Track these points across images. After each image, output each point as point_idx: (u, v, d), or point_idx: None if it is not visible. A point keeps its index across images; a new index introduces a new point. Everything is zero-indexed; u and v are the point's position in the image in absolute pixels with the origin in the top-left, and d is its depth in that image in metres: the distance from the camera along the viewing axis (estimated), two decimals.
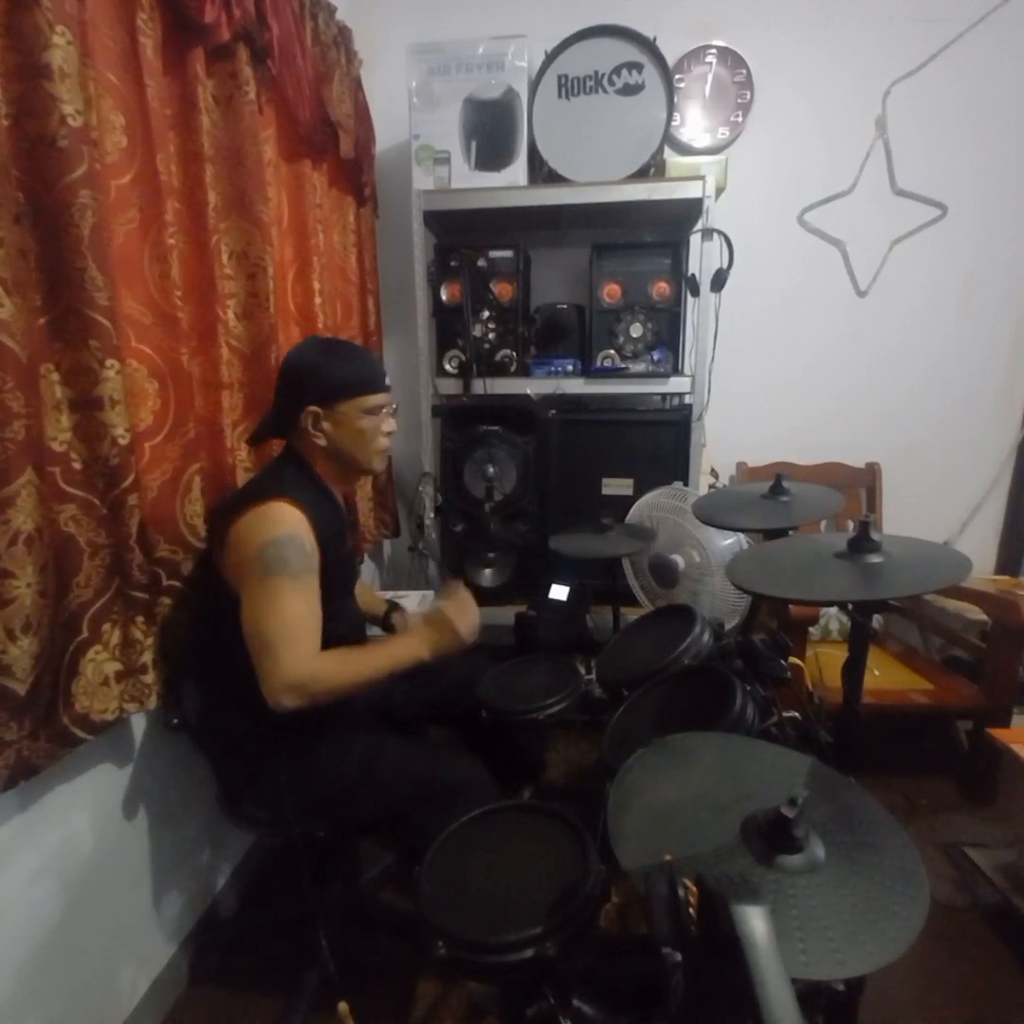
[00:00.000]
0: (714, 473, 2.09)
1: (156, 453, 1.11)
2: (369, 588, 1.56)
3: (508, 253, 1.91)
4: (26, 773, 0.86)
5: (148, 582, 1.05)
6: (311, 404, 1.11)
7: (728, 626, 1.39)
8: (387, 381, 1.19)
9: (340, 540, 1.18)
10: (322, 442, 1.13)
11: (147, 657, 1.05)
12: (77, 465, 0.94)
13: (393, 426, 1.20)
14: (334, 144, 1.72)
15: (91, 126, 0.92)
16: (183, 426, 1.16)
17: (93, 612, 0.97)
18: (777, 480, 1.20)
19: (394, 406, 1.21)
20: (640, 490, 1.84)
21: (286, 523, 1.02)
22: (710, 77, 2.05)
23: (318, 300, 1.64)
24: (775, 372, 2.22)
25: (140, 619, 1.04)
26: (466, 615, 1.14)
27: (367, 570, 2.33)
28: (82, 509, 0.95)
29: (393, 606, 1.52)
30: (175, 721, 1.12)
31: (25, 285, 0.84)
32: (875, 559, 0.83)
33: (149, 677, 1.06)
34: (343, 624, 1.18)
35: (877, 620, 2.12)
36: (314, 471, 1.15)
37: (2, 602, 0.81)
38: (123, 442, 0.97)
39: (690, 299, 1.87)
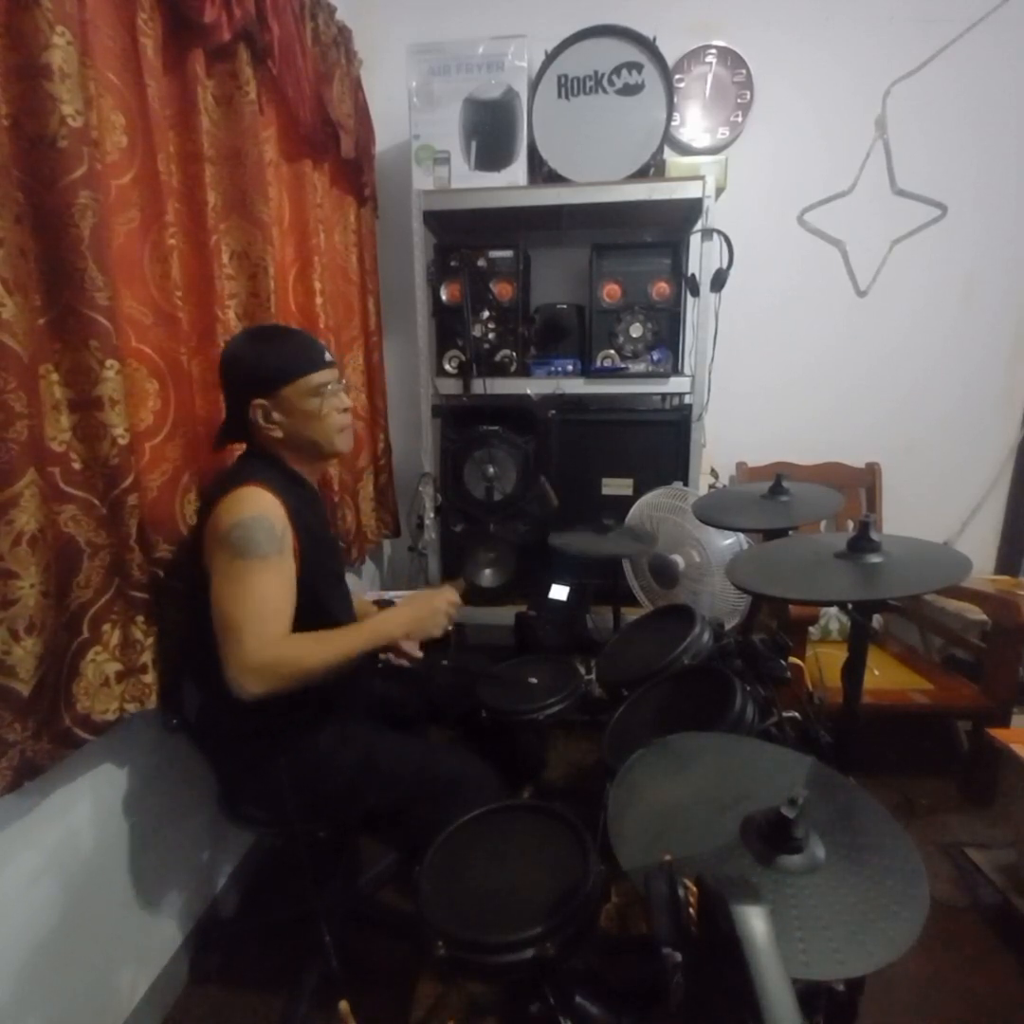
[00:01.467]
0: (714, 473, 2.09)
1: (156, 453, 1.11)
2: (357, 594, 1.55)
3: (508, 253, 1.91)
4: (30, 774, 0.87)
5: (148, 582, 1.05)
6: (255, 397, 1.08)
7: (728, 626, 1.39)
8: (327, 356, 1.13)
9: (320, 524, 1.16)
10: (278, 434, 1.10)
11: (147, 657, 1.05)
12: (77, 465, 0.94)
13: (346, 402, 1.16)
14: (335, 144, 1.72)
15: (91, 126, 0.92)
16: (182, 426, 1.16)
17: (93, 612, 0.97)
18: (777, 480, 1.20)
19: (343, 382, 1.17)
20: (640, 490, 1.84)
21: (255, 505, 1.00)
22: (710, 77, 2.05)
23: (319, 300, 1.64)
24: (775, 372, 2.22)
25: (140, 619, 1.04)
26: (444, 596, 1.15)
27: (367, 570, 2.33)
28: (82, 509, 0.95)
29: (384, 607, 1.51)
30: (175, 721, 1.12)
31: (25, 285, 0.84)
32: (875, 559, 0.83)
33: (149, 677, 1.06)
34: (338, 609, 1.18)
35: (877, 620, 2.12)
36: (281, 462, 1.13)
37: (6, 603, 0.81)
38: (123, 442, 0.97)
39: (690, 299, 1.87)
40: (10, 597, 0.81)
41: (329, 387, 1.12)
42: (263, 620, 0.96)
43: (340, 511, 1.84)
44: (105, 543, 0.98)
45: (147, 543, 1.05)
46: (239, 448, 1.22)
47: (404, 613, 1.11)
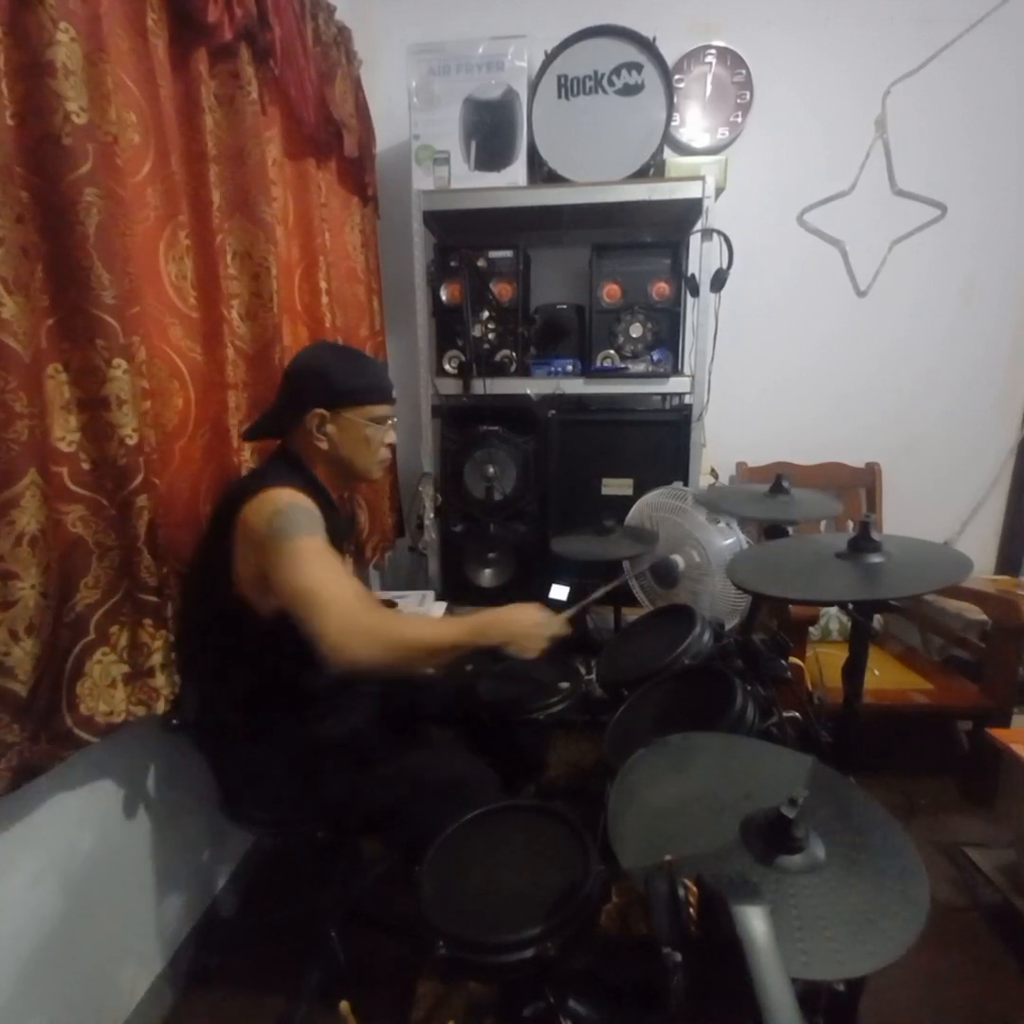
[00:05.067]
0: (714, 473, 2.09)
1: (183, 454, 1.13)
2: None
3: (508, 253, 1.91)
4: (28, 775, 0.86)
5: (157, 585, 1.04)
6: (318, 406, 1.11)
7: (728, 626, 1.39)
8: (394, 393, 1.20)
9: (339, 539, 1.18)
10: (324, 445, 1.14)
11: (156, 660, 1.05)
12: (86, 465, 0.94)
13: (394, 438, 1.21)
14: (338, 143, 1.72)
15: (108, 121, 0.92)
16: (202, 426, 1.17)
17: (100, 614, 0.97)
18: (777, 480, 1.20)
19: (395, 419, 1.22)
20: (640, 490, 1.84)
21: (288, 495, 1.02)
22: (710, 77, 2.05)
23: (324, 299, 1.64)
24: (775, 372, 2.22)
25: (148, 622, 1.03)
26: (554, 621, 1.11)
27: (365, 571, 2.33)
28: (91, 510, 0.95)
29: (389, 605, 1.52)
30: (175, 721, 1.12)
31: (27, 285, 0.83)
32: (875, 559, 0.83)
33: (157, 681, 1.05)
34: None
35: (877, 620, 2.12)
36: (311, 472, 1.16)
37: (6, 604, 0.80)
38: (131, 442, 0.96)
39: (690, 299, 1.87)
40: (10, 598, 0.81)
41: (388, 421, 1.18)
42: (339, 586, 0.95)
43: (350, 510, 1.86)
44: (114, 544, 0.98)
45: (159, 545, 1.04)
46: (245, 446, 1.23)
47: (512, 621, 1.08)
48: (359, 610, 0.94)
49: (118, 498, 0.97)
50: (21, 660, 0.82)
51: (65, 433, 0.91)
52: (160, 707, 1.05)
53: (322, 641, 0.91)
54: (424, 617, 1.01)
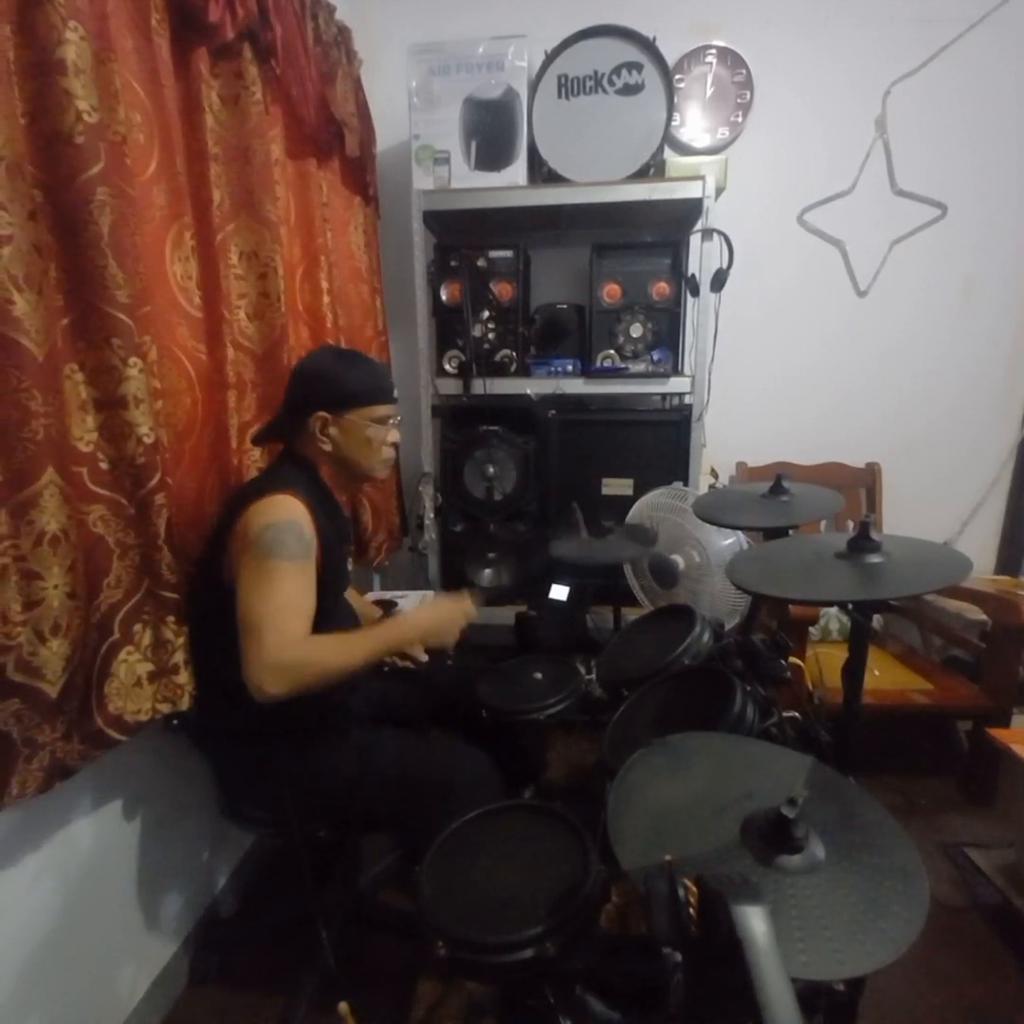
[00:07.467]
0: (714, 473, 2.09)
1: (192, 453, 1.14)
2: (359, 596, 1.56)
3: (508, 253, 1.91)
4: (61, 775, 0.87)
5: (178, 582, 1.05)
6: (321, 409, 1.13)
7: (728, 626, 1.39)
8: (395, 393, 1.21)
9: (340, 542, 1.18)
10: (328, 447, 1.15)
11: (179, 657, 1.05)
12: (104, 465, 0.94)
13: (397, 437, 1.23)
14: (339, 143, 1.73)
15: (117, 122, 0.92)
16: (208, 426, 1.17)
17: (124, 613, 0.97)
18: (777, 480, 1.20)
19: (398, 418, 1.23)
20: (640, 490, 1.84)
21: (288, 510, 1.03)
22: (710, 77, 2.05)
23: (326, 299, 1.64)
24: (775, 372, 2.22)
25: (170, 619, 1.04)
26: (460, 606, 1.17)
27: (368, 572, 2.33)
28: (110, 509, 0.95)
29: (386, 615, 1.52)
30: (175, 721, 1.12)
31: (40, 283, 0.83)
32: (875, 559, 0.83)
33: (181, 677, 1.06)
34: (339, 623, 1.18)
35: (877, 620, 2.12)
36: (317, 474, 1.17)
37: (30, 604, 0.80)
38: (148, 441, 0.96)
39: (690, 299, 1.87)
40: (34, 598, 0.81)
41: (391, 421, 1.20)
42: (285, 620, 0.97)
43: (356, 511, 1.86)
44: (134, 543, 0.98)
45: (176, 543, 1.04)
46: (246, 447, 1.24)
47: (421, 619, 1.13)
48: (288, 652, 0.95)
49: (137, 497, 0.97)
50: (48, 660, 0.82)
51: (83, 433, 0.91)
52: (185, 703, 1.06)
53: (245, 671, 0.95)
54: (347, 639, 1.06)
